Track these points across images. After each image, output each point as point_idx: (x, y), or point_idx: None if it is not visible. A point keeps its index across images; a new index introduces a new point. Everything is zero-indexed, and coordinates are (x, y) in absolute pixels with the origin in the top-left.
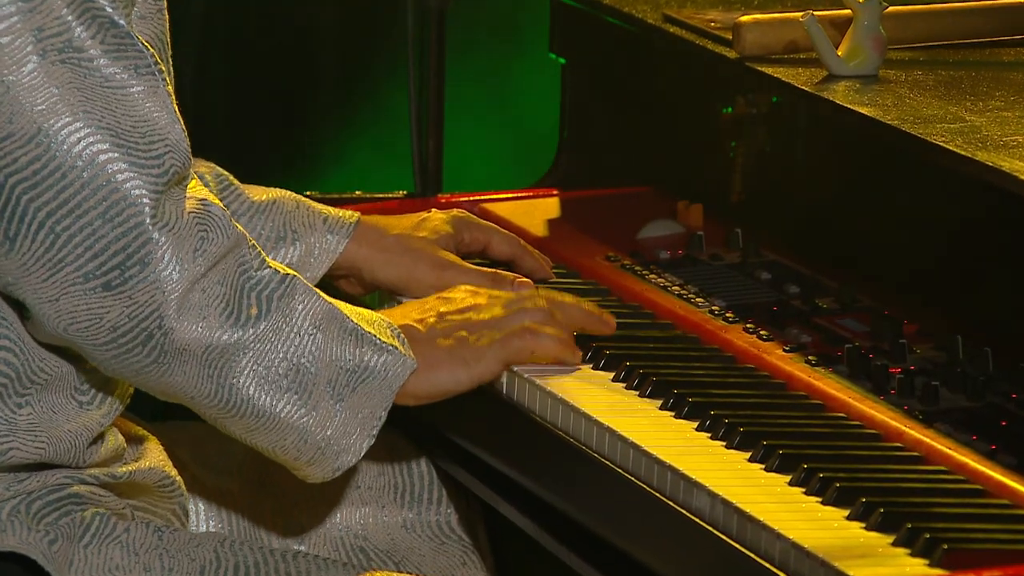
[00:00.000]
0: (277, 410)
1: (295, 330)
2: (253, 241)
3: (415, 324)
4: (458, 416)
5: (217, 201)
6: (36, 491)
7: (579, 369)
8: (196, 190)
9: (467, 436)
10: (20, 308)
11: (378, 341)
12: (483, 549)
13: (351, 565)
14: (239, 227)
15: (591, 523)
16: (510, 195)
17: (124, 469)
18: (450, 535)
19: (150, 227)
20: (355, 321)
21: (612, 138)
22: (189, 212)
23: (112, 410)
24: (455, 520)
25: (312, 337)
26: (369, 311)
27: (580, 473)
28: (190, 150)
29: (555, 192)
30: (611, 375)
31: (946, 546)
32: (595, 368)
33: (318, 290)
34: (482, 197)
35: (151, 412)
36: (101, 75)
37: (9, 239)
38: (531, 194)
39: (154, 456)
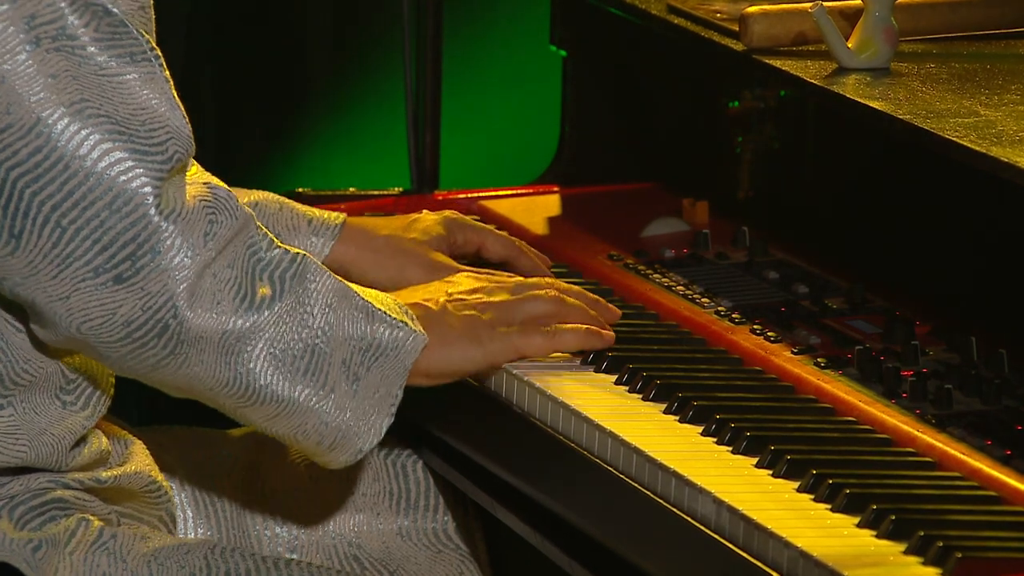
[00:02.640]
0: (295, 395)
1: (308, 310)
2: (259, 223)
3: (424, 303)
4: (456, 420)
5: (222, 184)
6: (19, 495)
7: (581, 372)
8: (200, 175)
9: (465, 440)
10: (10, 311)
11: (389, 318)
12: (481, 558)
13: (344, 573)
14: (246, 208)
15: (593, 530)
16: (509, 192)
17: (109, 474)
18: (447, 543)
19: (155, 216)
20: (365, 298)
21: (615, 133)
22: (195, 197)
23: (96, 412)
24: (452, 528)
25: (325, 317)
26: (375, 291)
27: (582, 479)
28: (192, 136)
29: (556, 189)
30: (614, 378)
31: (960, 554)
32: (597, 371)
33: (327, 268)
34: (480, 194)
35: (137, 416)
36: (95, 63)
37: (14, 237)
38: (531, 191)
39: (140, 460)
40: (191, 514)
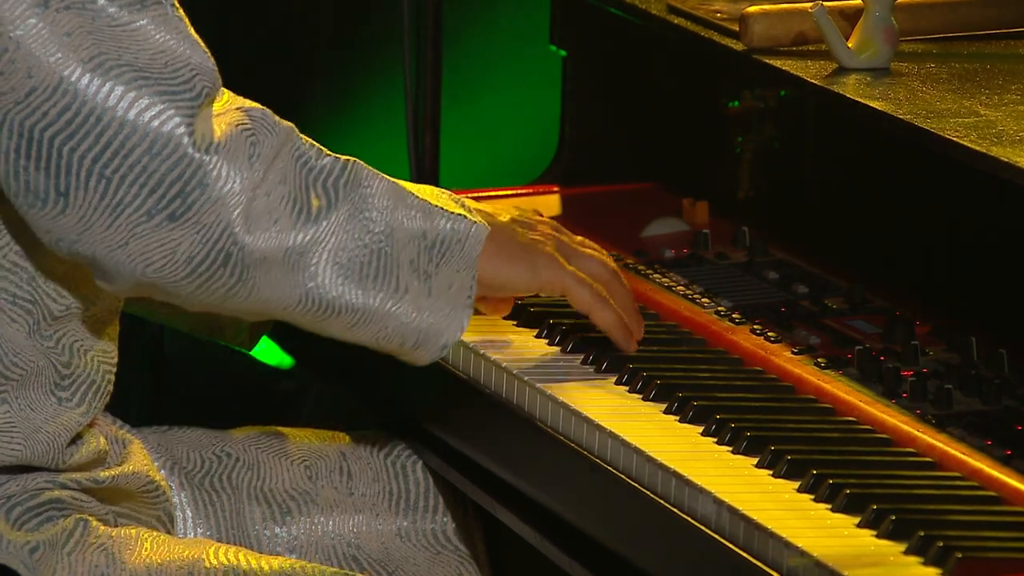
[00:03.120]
0: (370, 302)
1: (367, 215)
2: (302, 135)
3: (492, 212)
4: (456, 420)
5: (256, 104)
6: (15, 496)
7: (581, 372)
8: (233, 100)
9: (465, 440)
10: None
11: (446, 212)
12: (480, 558)
13: (343, 574)
14: (284, 122)
15: (593, 530)
16: (509, 192)
17: (107, 474)
18: (446, 544)
19: (194, 153)
20: (420, 196)
21: (615, 133)
22: (232, 124)
23: (92, 408)
24: (451, 528)
25: (384, 220)
26: (430, 187)
27: (582, 479)
28: (216, 67)
29: (556, 189)
30: (614, 378)
31: (960, 554)
32: (597, 371)
33: (378, 171)
34: (480, 194)
35: (136, 415)
36: (107, 15)
37: (62, 195)
38: (531, 191)
39: (138, 460)
40: (190, 514)
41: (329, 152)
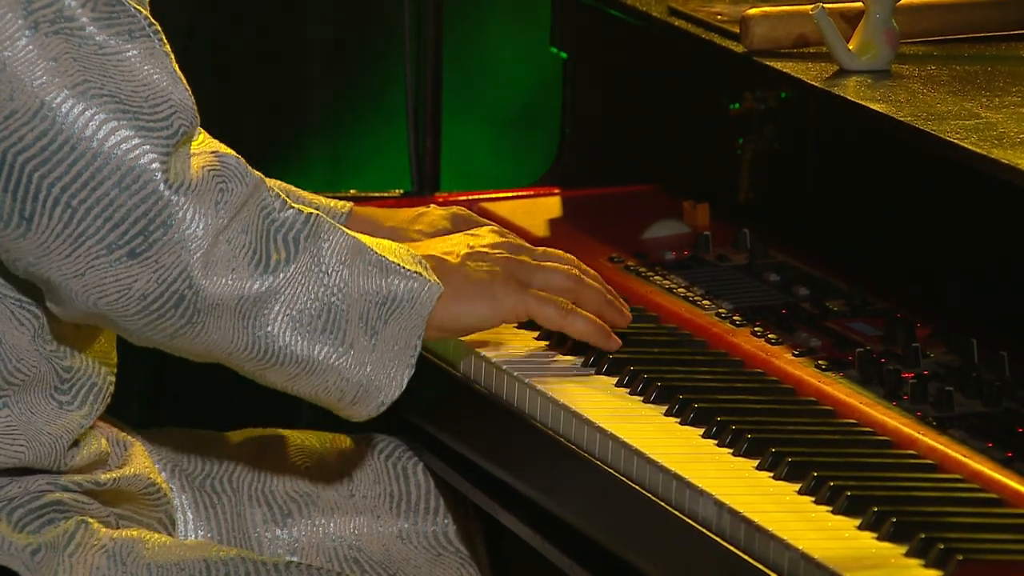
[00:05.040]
0: (315, 354)
1: (323, 269)
2: (271, 184)
3: (442, 255)
4: (457, 422)
5: (230, 151)
6: (17, 498)
7: (582, 374)
8: (207, 144)
9: (466, 443)
10: (4, 309)
11: (403, 269)
12: (481, 561)
13: None
14: (256, 172)
15: (594, 532)
16: (510, 194)
17: (108, 476)
18: (447, 546)
19: (165, 191)
20: (379, 252)
21: (615, 135)
22: (203, 167)
23: (93, 410)
24: (452, 531)
25: (339, 273)
26: (390, 242)
27: (582, 481)
28: (196, 108)
29: (556, 191)
30: (615, 380)
31: (961, 557)
32: (598, 372)
33: (341, 226)
34: (481, 196)
35: (136, 417)
36: (95, 43)
37: (25, 220)
38: (532, 193)
39: (139, 463)
40: (191, 516)
41: (293, 204)
